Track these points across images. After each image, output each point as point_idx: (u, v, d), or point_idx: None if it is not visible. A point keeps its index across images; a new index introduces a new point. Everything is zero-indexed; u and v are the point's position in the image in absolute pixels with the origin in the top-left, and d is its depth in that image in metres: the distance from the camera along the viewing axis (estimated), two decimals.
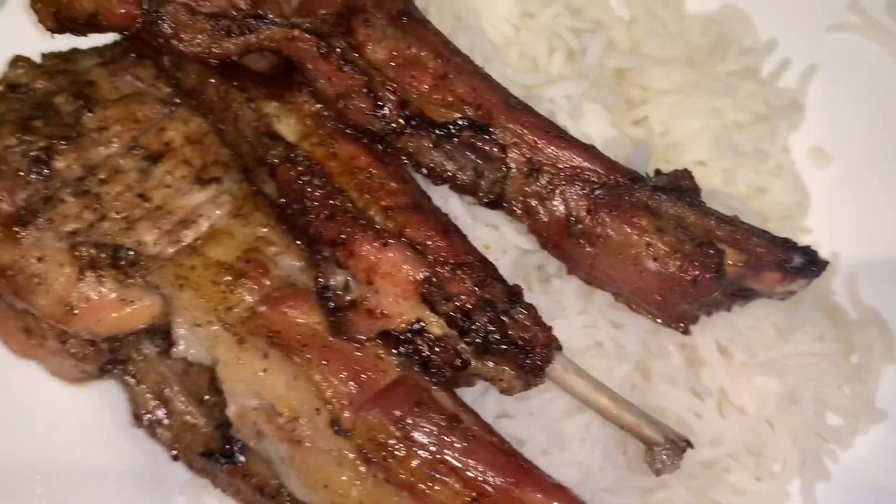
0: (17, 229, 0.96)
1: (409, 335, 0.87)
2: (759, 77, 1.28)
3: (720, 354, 1.06)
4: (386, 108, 0.97)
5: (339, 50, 0.97)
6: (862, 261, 1.20)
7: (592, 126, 1.10)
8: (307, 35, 0.98)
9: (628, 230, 0.93)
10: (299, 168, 0.93)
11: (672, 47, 1.27)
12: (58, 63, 1.15)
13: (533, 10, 1.21)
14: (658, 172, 1.04)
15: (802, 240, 1.18)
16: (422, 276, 0.86)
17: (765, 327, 1.08)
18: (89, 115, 1.06)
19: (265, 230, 0.99)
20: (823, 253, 1.17)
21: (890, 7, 1.28)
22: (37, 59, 1.14)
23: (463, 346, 0.86)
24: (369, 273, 0.87)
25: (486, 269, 0.89)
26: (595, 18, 1.30)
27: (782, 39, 1.31)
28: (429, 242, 0.89)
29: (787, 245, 0.97)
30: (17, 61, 1.13)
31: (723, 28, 1.31)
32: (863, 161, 1.26)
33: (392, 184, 0.94)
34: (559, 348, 0.88)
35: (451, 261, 0.88)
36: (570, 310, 1.02)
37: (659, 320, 0.98)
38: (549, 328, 0.88)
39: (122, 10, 0.96)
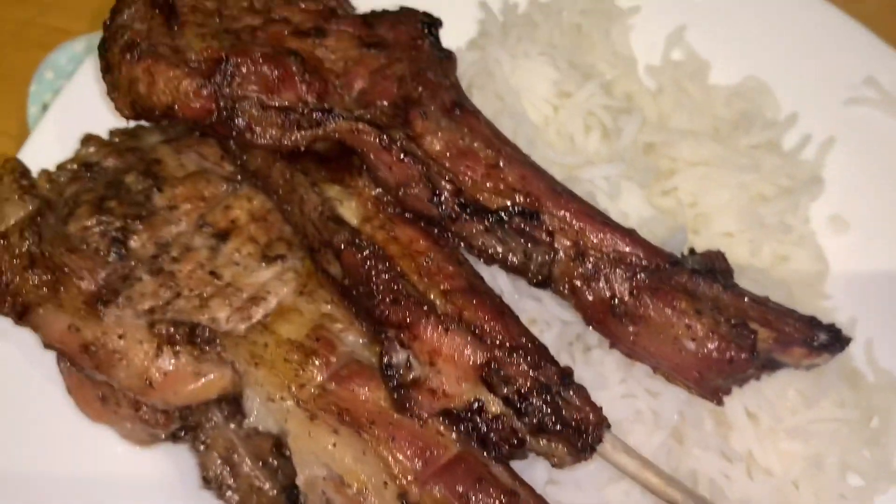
0: (99, 307, 1.04)
1: (468, 413, 0.94)
2: (782, 149, 1.36)
3: (748, 420, 1.13)
4: (442, 197, 1.04)
5: (398, 142, 1.05)
6: (879, 326, 1.27)
7: (630, 204, 1.18)
8: (369, 128, 1.05)
9: (668, 312, 1.00)
10: (364, 253, 1.01)
11: (699, 120, 1.35)
12: (125, 140, 1.23)
13: (569, 90, 1.28)
14: (692, 252, 1.11)
15: (822, 305, 1.27)
16: (481, 360, 0.93)
17: (790, 394, 1.15)
18: (159, 193, 1.13)
19: (329, 307, 1.06)
20: (842, 318, 1.26)
21: None
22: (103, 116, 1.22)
23: (519, 424, 0.93)
24: (432, 355, 0.94)
25: (539, 352, 0.96)
26: (626, 91, 1.38)
27: (803, 111, 1.39)
28: (485, 326, 0.96)
29: (813, 323, 1.05)
30: (89, 140, 1.21)
31: (746, 100, 1.40)
32: (880, 229, 1.33)
33: (449, 267, 1.01)
34: (608, 427, 0.96)
35: (507, 343, 0.95)
36: (611, 380, 1.09)
37: (694, 392, 1.05)
38: (599, 408, 0.95)
39: (198, 105, 1.04)
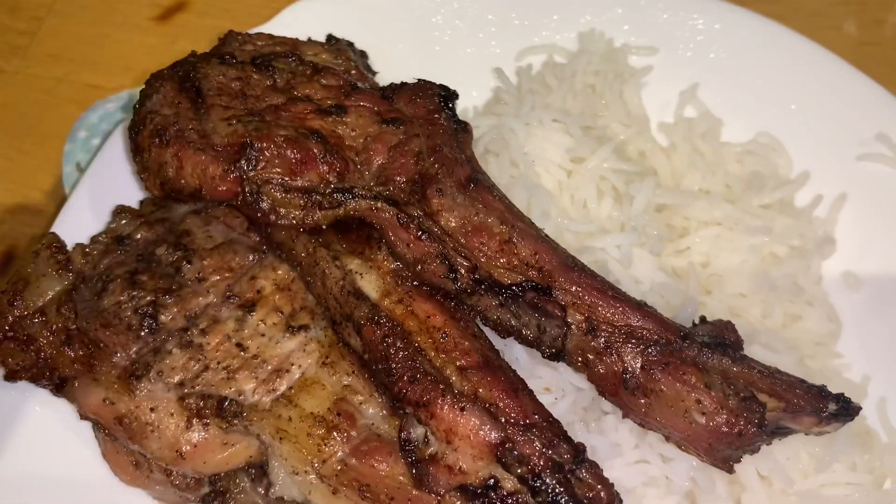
0: (132, 382, 1.09)
1: (484, 490, 0.98)
2: (794, 207, 1.38)
3: (761, 482, 1.16)
4: (458, 273, 1.08)
5: (416, 220, 1.09)
6: (893, 384, 1.28)
7: (642, 271, 1.21)
8: (387, 206, 1.10)
9: (678, 386, 1.03)
10: (384, 329, 1.05)
11: (711, 179, 1.38)
12: (156, 211, 1.28)
13: (583, 155, 1.31)
14: (703, 320, 1.14)
15: (834, 364, 1.29)
16: (496, 439, 0.97)
17: (802, 457, 1.17)
18: (188, 265, 1.18)
19: (350, 378, 1.10)
20: (855, 376, 1.28)
21: None
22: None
23: (533, 502, 0.97)
24: (448, 434, 0.98)
25: (552, 429, 1.00)
26: (639, 149, 1.42)
27: (815, 167, 1.42)
28: (500, 403, 1.00)
29: (823, 393, 1.07)
30: (121, 212, 1.26)
31: (758, 158, 1.42)
32: (893, 285, 1.35)
33: (465, 343, 1.05)
34: (620, 502, 0.99)
35: (522, 422, 0.99)
36: (625, 446, 1.13)
37: (705, 460, 1.08)
38: (611, 486, 0.98)
39: (224, 188, 1.09)
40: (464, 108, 1.51)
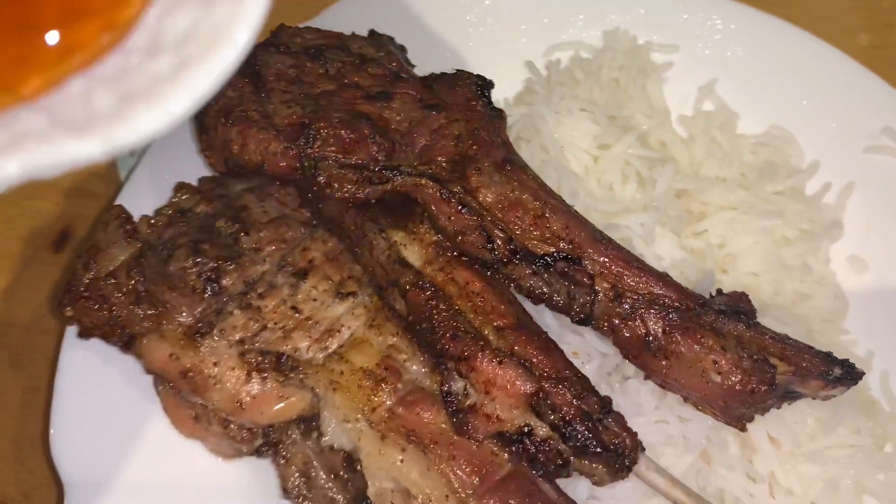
0: (196, 339, 1.19)
1: (519, 436, 1.08)
2: (804, 195, 1.48)
3: (771, 444, 1.25)
4: (495, 244, 1.18)
5: (457, 195, 1.19)
6: (894, 359, 1.38)
7: (663, 248, 1.31)
8: (431, 182, 1.20)
9: (697, 348, 1.13)
10: (427, 293, 1.15)
11: (727, 168, 1.48)
12: (213, 187, 1.38)
13: (608, 142, 1.42)
14: (720, 292, 1.24)
15: (842, 340, 1.39)
16: (530, 390, 1.07)
17: (809, 421, 1.27)
18: (245, 237, 1.29)
19: (395, 339, 1.20)
20: (860, 351, 1.38)
21: None
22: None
23: (564, 447, 1.07)
24: (487, 385, 1.08)
25: (582, 383, 1.10)
26: (660, 140, 1.52)
27: (824, 159, 1.51)
28: (534, 359, 1.10)
29: (829, 358, 1.16)
30: (182, 188, 1.37)
31: (771, 149, 1.52)
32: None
33: (501, 306, 1.15)
34: (643, 450, 1.09)
35: (554, 376, 1.09)
36: (646, 407, 1.22)
37: (720, 419, 1.18)
38: (635, 434, 1.08)
39: (285, 164, 1.20)
40: (496, 99, 1.60)
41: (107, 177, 1.78)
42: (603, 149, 1.41)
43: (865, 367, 1.37)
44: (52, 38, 0.58)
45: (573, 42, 1.61)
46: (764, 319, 1.28)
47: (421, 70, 1.54)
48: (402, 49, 1.55)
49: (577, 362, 1.22)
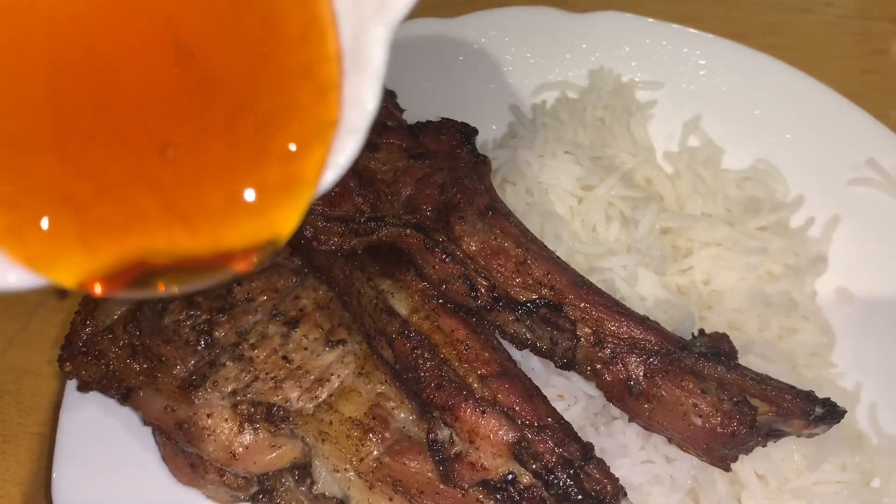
0: (190, 391, 1.23)
1: (503, 484, 1.10)
2: (790, 228, 1.50)
3: (758, 481, 1.27)
4: (479, 292, 1.21)
5: (440, 244, 1.22)
6: (883, 390, 1.39)
7: (646, 289, 1.33)
8: (415, 232, 1.23)
9: (677, 392, 1.15)
10: (413, 342, 1.18)
11: (712, 204, 1.50)
12: None
13: (592, 184, 1.44)
14: (702, 332, 1.26)
15: (828, 373, 1.40)
16: (513, 439, 1.09)
17: (796, 458, 1.28)
18: (238, 287, 1.32)
19: (383, 387, 1.23)
20: (848, 384, 1.39)
21: None
22: None
23: (547, 494, 1.09)
24: (471, 434, 1.11)
25: (564, 430, 1.12)
26: (646, 176, 1.54)
27: (809, 191, 1.53)
28: (517, 408, 1.12)
29: (810, 398, 1.18)
30: None
31: (756, 183, 1.54)
32: (882, 299, 1.45)
33: (485, 353, 1.18)
34: (625, 495, 1.11)
35: (536, 424, 1.11)
36: (631, 448, 1.24)
37: (705, 460, 1.20)
38: (616, 480, 1.10)
39: None
40: (483, 140, 1.65)
41: None
42: (587, 190, 1.44)
43: (853, 399, 1.39)
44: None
45: (559, 82, 1.65)
46: (748, 357, 1.30)
47: (410, 113, 1.58)
48: (392, 94, 1.58)
49: (562, 405, 1.25)
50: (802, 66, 1.89)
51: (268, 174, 0.58)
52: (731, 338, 1.31)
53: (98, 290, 0.60)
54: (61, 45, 0.60)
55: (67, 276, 0.59)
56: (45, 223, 0.58)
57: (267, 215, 0.58)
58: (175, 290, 0.61)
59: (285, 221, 0.59)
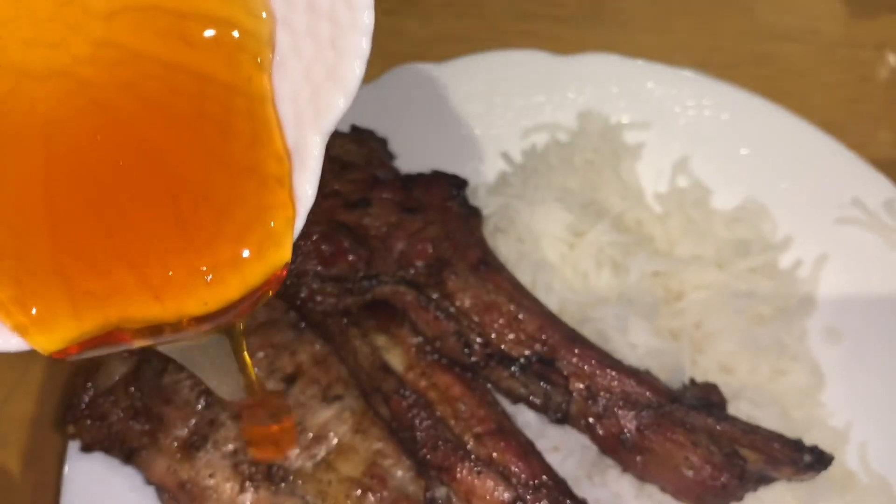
0: (192, 451, 1.25)
1: None
2: (779, 269, 1.52)
3: None
4: (472, 348, 1.23)
5: (434, 301, 1.25)
6: (873, 429, 1.41)
7: (638, 337, 1.35)
8: (408, 289, 1.26)
9: (669, 445, 1.18)
10: (408, 401, 1.20)
11: (702, 245, 1.52)
12: None
13: (583, 229, 1.47)
14: (693, 382, 1.28)
15: (818, 413, 1.43)
16: (509, 499, 1.12)
17: (788, 498, 1.31)
18: None
19: (380, 444, 1.25)
20: (838, 423, 1.41)
21: (887, 204, 1.52)
22: None
23: None
24: (468, 494, 1.13)
25: (559, 487, 1.14)
26: (636, 218, 1.56)
27: (797, 231, 1.55)
28: (512, 466, 1.15)
29: (799, 446, 1.20)
30: None
31: (745, 223, 1.56)
32: (871, 338, 1.47)
33: (481, 411, 1.20)
34: None
35: (531, 482, 1.14)
36: (626, 497, 1.26)
37: None
38: None
39: None
40: (476, 184, 1.66)
41: None
42: (578, 236, 1.46)
43: (843, 438, 1.41)
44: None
45: (549, 124, 1.67)
46: (739, 403, 1.33)
47: (402, 160, 1.60)
48: (383, 142, 1.61)
49: (557, 457, 1.27)
50: (790, 96, 1.92)
51: (221, 254, 0.71)
52: (722, 382, 1.34)
53: (74, 351, 0.72)
54: (53, 150, 0.72)
55: (55, 341, 0.70)
56: (42, 295, 0.69)
57: (217, 287, 0.71)
58: (139, 343, 0.74)
59: (232, 291, 0.72)
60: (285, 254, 0.74)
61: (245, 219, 0.72)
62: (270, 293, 0.75)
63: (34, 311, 0.69)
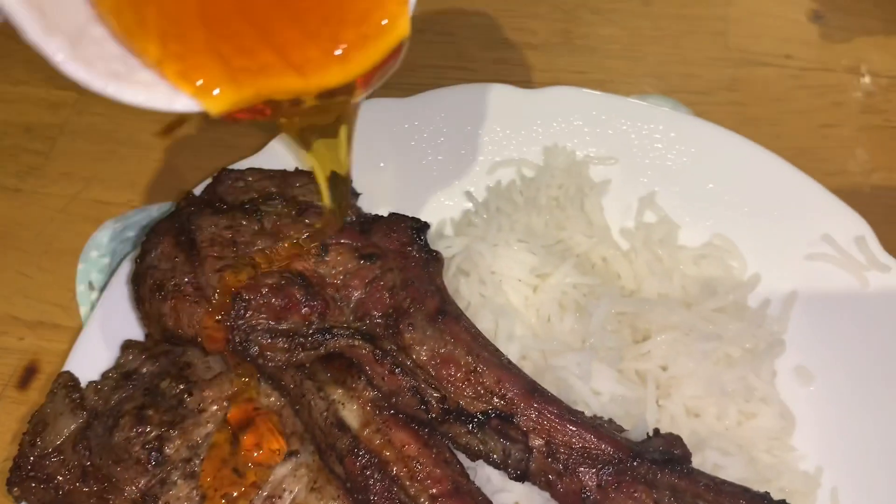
0: None
1: None
2: (747, 307, 1.49)
3: None
4: (429, 404, 1.20)
5: (390, 355, 1.21)
6: (844, 473, 1.38)
7: (601, 384, 1.32)
8: (364, 343, 1.22)
9: (630, 503, 1.14)
10: (363, 461, 1.17)
11: (668, 285, 1.49)
12: (157, 342, 1.40)
13: (546, 271, 1.43)
14: (657, 433, 1.25)
15: (789, 457, 1.40)
16: None
17: None
18: (189, 398, 1.31)
19: (335, 503, 1.22)
20: (809, 467, 1.39)
21: (857, 240, 1.49)
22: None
23: None
24: None
25: None
26: (602, 255, 1.53)
27: (766, 268, 1.53)
28: None
29: (765, 501, 1.17)
30: (128, 347, 1.39)
31: (713, 260, 1.53)
32: (843, 377, 1.45)
33: (437, 470, 1.17)
34: None
35: None
36: None
37: None
38: None
39: (217, 336, 1.22)
40: (442, 219, 1.64)
41: (68, 308, 1.81)
42: (541, 278, 1.43)
43: (814, 483, 1.38)
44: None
45: (514, 160, 1.64)
46: (705, 452, 1.30)
47: (366, 197, 1.57)
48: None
49: None
50: (763, 122, 1.90)
51: (348, 35, 0.87)
52: (689, 427, 1.31)
53: (238, 116, 0.90)
54: None
55: (219, 105, 0.86)
56: (204, 69, 0.85)
57: (347, 63, 0.88)
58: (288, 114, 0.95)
59: (361, 65, 0.89)
60: (402, 30, 0.88)
61: (365, 5, 0.87)
62: (393, 66, 0.92)
63: (199, 82, 0.84)
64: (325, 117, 1.01)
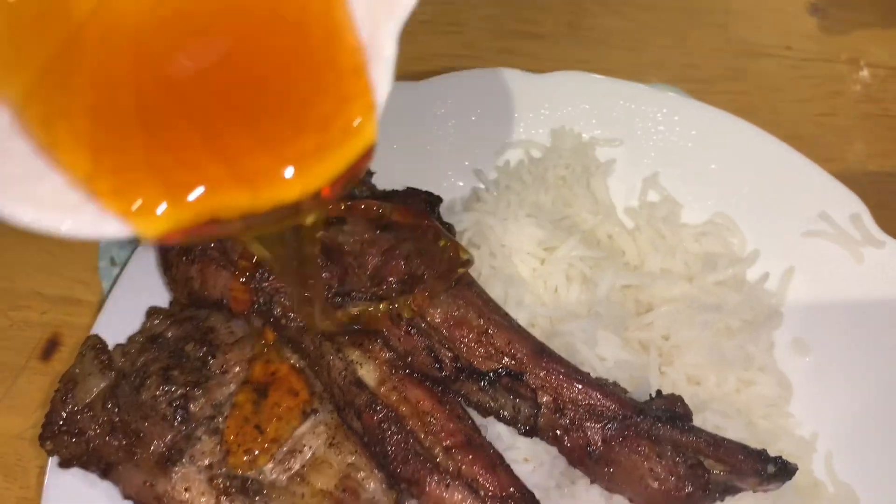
0: (168, 466, 1.27)
1: None
2: (746, 282, 1.55)
3: None
4: (443, 363, 1.26)
5: (405, 317, 1.27)
6: (838, 440, 1.44)
7: (606, 350, 1.38)
8: (381, 307, 1.28)
9: (634, 457, 1.20)
10: (380, 416, 1.23)
11: (671, 259, 1.55)
12: (182, 308, 1.47)
13: (554, 245, 1.50)
14: (659, 394, 1.31)
15: (785, 423, 1.45)
16: None
17: None
18: (212, 360, 1.37)
19: (353, 457, 1.28)
20: (805, 433, 1.44)
21: (853, 217, 1.55)
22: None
23: None
24: None
25: (525, 500, 1.17)
26: (607, 233, 1.59)
27: (765, 244, 1.59)
28: (480, 479, 1.17)
29: (763, 457, 1.23)
30: (153, 313, 1.46)
31: (714, 237, 1.59)
32: (838, 349, 1.50)
33: (451, 424, 1.23)
34: None
35: (499, 494, 1.16)
36: None
37: None
38: None
39: (242, 298, 1.28)
40: (452, 199, 1.70)
41: (90, 284, 1.87)
42: (549, 251, 1.49)
43: (810, 448, 1.44)
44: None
45: (522, 141, 1.70)
46: (705, 414, 1.35)
47: (380, 175, 1.63)
48: None
49: (527, 468, 1.30)
50: (763, 111, 1.96)
51: (307, 144, 0.76)
52: (690, 393, 1.37)
53: (175, 238, 0.77)
54: (141, 56, 0.79)
55: (155, 228, 0.75)
56: (140, 186, 0.75)
57: (305, 175, 0.76)
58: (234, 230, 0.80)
59: (321, 177, 0.77)
60: (369, 138, 0.78)
61: (326, 109, 0.77)
62: (361, 172, 0.80)
63: (134, 201, 0.74)
64: (282, 228, 0.89)
